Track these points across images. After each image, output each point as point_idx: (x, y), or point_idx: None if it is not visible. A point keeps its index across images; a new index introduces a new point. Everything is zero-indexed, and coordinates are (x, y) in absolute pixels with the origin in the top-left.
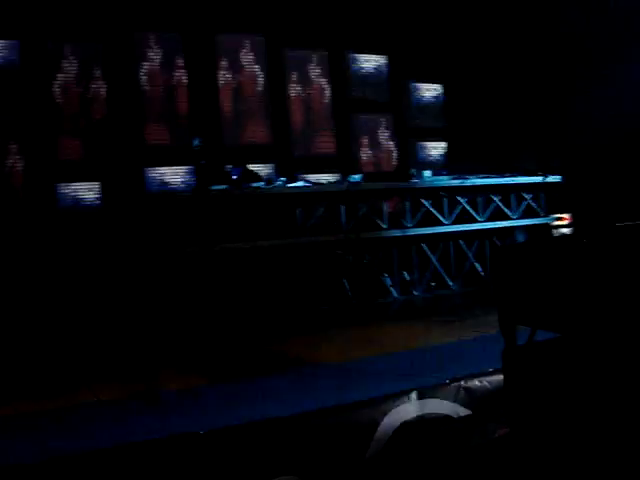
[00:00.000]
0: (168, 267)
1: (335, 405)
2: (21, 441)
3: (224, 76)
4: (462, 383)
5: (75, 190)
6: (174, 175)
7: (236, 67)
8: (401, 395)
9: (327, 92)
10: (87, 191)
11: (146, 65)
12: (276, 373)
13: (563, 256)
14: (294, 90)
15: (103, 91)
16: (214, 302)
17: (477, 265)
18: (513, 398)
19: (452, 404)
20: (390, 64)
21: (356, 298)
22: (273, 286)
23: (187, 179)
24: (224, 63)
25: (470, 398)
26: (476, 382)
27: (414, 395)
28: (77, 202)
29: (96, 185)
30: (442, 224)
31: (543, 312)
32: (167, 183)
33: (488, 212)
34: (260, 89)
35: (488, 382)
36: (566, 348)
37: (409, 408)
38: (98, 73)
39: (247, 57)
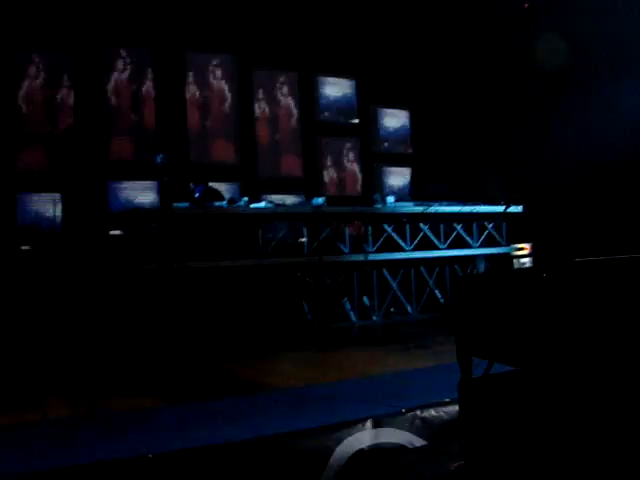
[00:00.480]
0: (126, 285)
1: (288, 431)
2: None
3: (192, 93)
4: (418, 412)
5: (36, 202)
6: (138, 190)
7: (205, 84)
8: (356, 423)
9: (295, 114)
10: (47, 204)
11: (114, 78)
12: (228, 397)
13: (521, 290)
14: (261, 110)
15: (69, 102)
16: (171, 322)
17: (437, 292)
18: (468, 430)
19: (407, 434)
20: (358, 88)
21: (315, 321)
22: (232, 307)
23: (151, 194)
24: (193, 80)
25: (426, 428)
26: (432, 412)
27: (369, 423)
28: (37, 215)
29: (57, 197)
30: (403, 250)
31: (500, 345)
32: (131, 198)
33: (450, 239)
34: (228, 107)
35: (444, 412)
36: (521, 382)
37: (364, 436)
38: (65, 84)
39: (216, 75)
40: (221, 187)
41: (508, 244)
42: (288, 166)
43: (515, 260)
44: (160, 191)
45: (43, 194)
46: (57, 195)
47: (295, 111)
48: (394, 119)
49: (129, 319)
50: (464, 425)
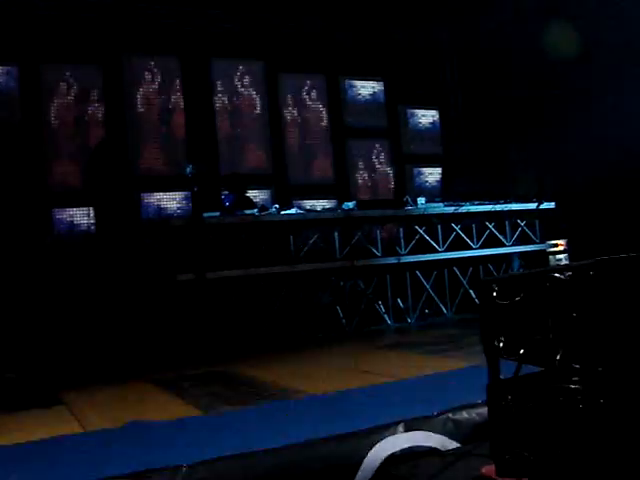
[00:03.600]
0: (160, 294)
1: (319, 437)
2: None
3: (221, 101)
4: (450, 415)
5: (70, 216)
6: (169, 201)
7: (233, 92)
8: (388, 427)
9: (323, 117)
10: (82, 217)
11: (142, 89)
12: (260, 403)
13: (546, 289)
14: (290, 115)
15: (100, 115)
16: (205, 330)
17: (471, 292)
18: (496, 431)
19: (440, 437)
20: (386, 89)
21: (349, 325)
22: (266, 314)
23: (183, 205)
24: (221, 88)
25: (459, 430)
26: (464, 414)
27: (401, 427)
28: (72, 228)
29: (90, 211)
30: (436, 251)
31: (527, 346)
32: (163, 209)
33: (482, 239)
34: (257, 114)
35: (476, 414)
36: (548, 382)
37: (396, 440)
38: (95, 97)
39: (244, 82)
40: (253, 194)
41: (542, 241)
42: (319, 171)
43: (551, 257)
44: (192, 201)
45: (77, 209)
46: (89, 209)
47: (324, 115)
48: (423, 119)
49: (164, 327)
50: (493, 426)
